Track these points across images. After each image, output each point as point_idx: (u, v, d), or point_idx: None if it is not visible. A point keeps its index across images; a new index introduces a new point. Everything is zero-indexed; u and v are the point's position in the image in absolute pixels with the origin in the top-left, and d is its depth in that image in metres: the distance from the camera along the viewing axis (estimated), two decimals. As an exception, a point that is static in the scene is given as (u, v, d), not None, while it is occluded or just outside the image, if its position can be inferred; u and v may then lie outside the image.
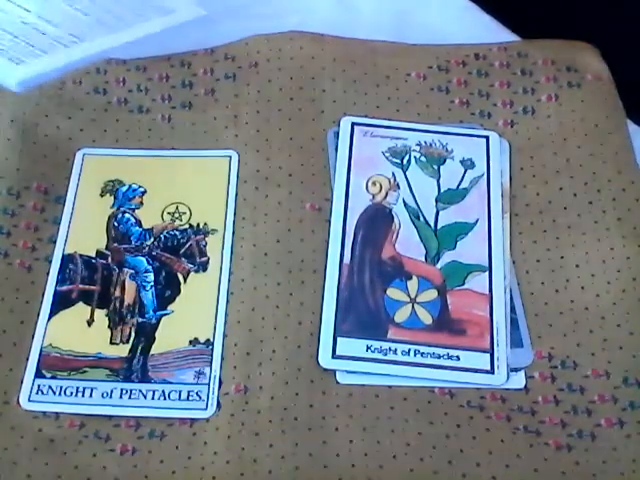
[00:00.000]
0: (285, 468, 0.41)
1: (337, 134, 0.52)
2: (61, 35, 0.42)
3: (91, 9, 0.43)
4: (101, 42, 0.42)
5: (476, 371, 0.43)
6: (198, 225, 0.49)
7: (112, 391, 0.44)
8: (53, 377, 0.44)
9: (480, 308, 0.45)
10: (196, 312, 0.46)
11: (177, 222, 0.50)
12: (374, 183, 0.50)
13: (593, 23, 0.55)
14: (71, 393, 0.44)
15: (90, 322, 0.46)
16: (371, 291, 0.46)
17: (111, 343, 0.45)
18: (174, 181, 0.51)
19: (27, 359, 0.45)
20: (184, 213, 0.50)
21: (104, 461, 0.42)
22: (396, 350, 0.44)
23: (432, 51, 0.55)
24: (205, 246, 0.49)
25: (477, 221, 0.48)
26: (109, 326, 0.46)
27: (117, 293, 0.47)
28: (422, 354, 0.44)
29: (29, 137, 0.51)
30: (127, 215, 0.50)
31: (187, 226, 0.49)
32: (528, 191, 0.50)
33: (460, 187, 0.50)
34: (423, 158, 0.51)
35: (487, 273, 0.46)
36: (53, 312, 0.46)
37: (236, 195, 0.50)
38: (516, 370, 0.44)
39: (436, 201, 0.49)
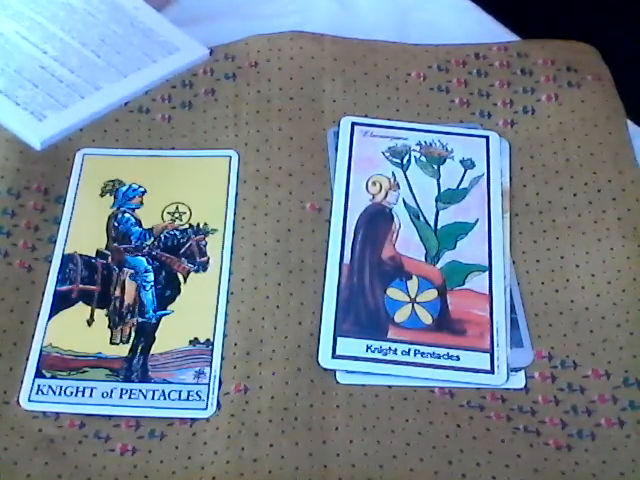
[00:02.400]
0: (285, 468, 0.41)
1: (337, 134, 0.52)
2: (77, 82, 0.43)
3: (102, 50, 0.44)
4: (114, 90, 0.44)
5: (476, 371, 0.43)
6: (198, 225, 0.49)
7: (112, 391, 0.44)
8: (53, 377, 0.44)
9: (480, 308, 0.45)
10: (196, 312, 0.46)
11: (177, 222, 0.50)
12: (374, 183, 0.50)
13: (593, 24, 0.55)
14: (71, 393, 0.44)
15: (90, 322, 0.46)
16: (371, 291, 0.46)
17: (111, 343, 0.46)
18: (174, 181, 0.51)
19: (27, 359, 0.45)
20: (184, 213, 0.50)
21: (104, 461, 0.42)
22: (396, 350, 0.44)
23: (432, 51, 0.55)
24: (205, 246, 0.49)
25: (477, 221, 0.48)
26: (109, 326, 0.46)
27: (117, 293, 0.47)
28: (422, 354, 0.44)
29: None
30: (127, 215, 0.50)
31: (187, 226, 0.49)
32: (528, 191, 0.50)
33: (460, 187, 0.50)
34: (423, 158, 0.51)
35: (487, 273, 0.46)
36: (53, 312, 0.46)
37: (236, 195, 0.50)
38: (516, 370, 0.44)
39: (436, 201, 0.49)
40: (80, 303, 0.47)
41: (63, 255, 0.48)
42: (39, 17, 0.44)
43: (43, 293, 0.47)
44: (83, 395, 0.44)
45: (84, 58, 0.43)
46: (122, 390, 0.44)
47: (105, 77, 0.43)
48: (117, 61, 0.44)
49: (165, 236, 0.49)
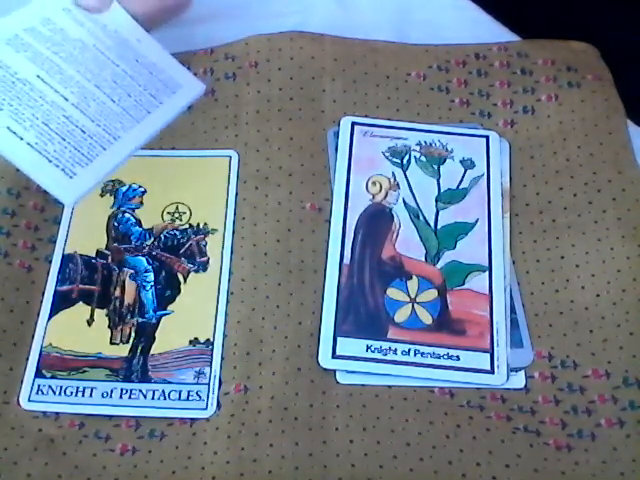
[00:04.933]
0: (285, 468, 0.41)
1: (337, 134, 0.52)
2: (98, 133, 0.43)
3: (115, 93, 0.44)
4: (131, 138, 0.44)
5: (476, 371, 0.43)
6: (198, 225, 0.49)
7: (112, 391, 0.44)
8: (53, 377, 0.44)
9: (480, 308, 0.45)
10: (196, 312, 0.46)
11: (177, 222, 0.50)
12: (374, 183, 0.50)
13: (593, 24, 0.55)
14: (71, 393, 0.44)
15: (90, 322, 0.46)
16: (371, 291, 0.46)
17: (111, 343, 0.46)
18: (174, 181, 0.51)
19: (27, 359, 0.45)
20: (184, 213, 0.50)
21: (104, 461, 0.42)
22: (396, 350, 0.44)
23: (432, 51, 0.55)
24: (205, 246, 0.49)
25: (477, 221, 0.48)
26: (109, 326, 0.46)
27: (117, 293, 0.47)
28: (422, 354, 0.44)
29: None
30: (127, 215, 0.50)
31: (187, 226, 0.49)
32: (528, 191, 0.50)
33: (460, 187, 0.50)
34: (423, 158, 0.51)
35: (487, 273, 0.46)
36: (53, 312, 0.46)
37: (236, 195, 0.50)
38: (516, 370, 0.44)
39: (436, 201, 0.49)
40: (80, 303, 0.47)
41: (63, 255, 0.48)
42: (56, 57, 0.43)
43: (43, 293, 0.47)
44: (83, 395, 0.44)
45: (101, 104, 0.43)
46: (122, 390, 0.44)
47: (122, 125, 0.44)
48: (129, 105, 0.44)
49: (165, 236, 0.49)
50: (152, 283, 0.48)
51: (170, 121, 0.46)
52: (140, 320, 0.46)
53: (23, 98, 0.42)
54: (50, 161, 0.41)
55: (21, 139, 0.41)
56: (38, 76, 0.43)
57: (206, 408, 0.43)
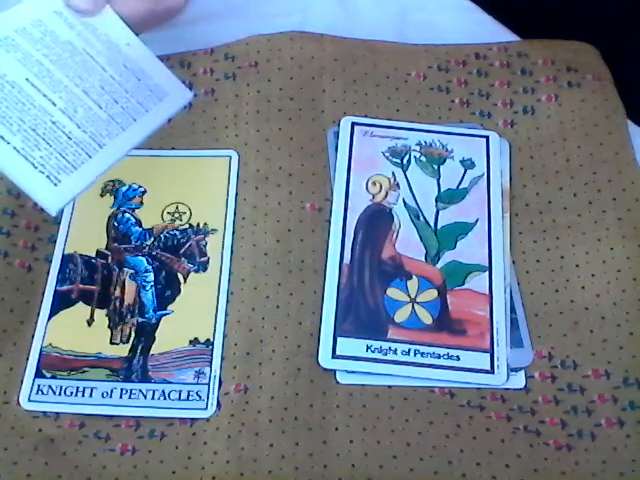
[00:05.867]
0: (285, 468, 0.41)
1: (337, 134, 0.52)
2: (84, 140, 0.43)
3: (103, 99, 0.44)
4: (116, 146, 0.44)
5: (476, 371, 0.43)
6: (198, 225, 0.49)
7: (112, 391, 0.44)
8: (53, 377, 0.44)
9: (480, 308, 0.45)
10: (196, 312, 0.46)
11: (177, 222, 0.50)
12: (374, 183, 0.50)
13: (593, 23, 0.55)
14: (71, 393, 0.44)
15: (90, 322, 0.46)
16: (371, 291, 0.46)
17: (111, 343, 0.46)
18: (174, 181, 0.51)
19: (27, 359, 0.45)
20: (184, 213, 0.50)
21: (104, 461, 0.42)
22: (396, 350, 0.44)
23: (432, 51, 0.55)
24: (205, 246, 0.49)
25: (477, 221, 0.48)
26: (109, 326, 0.46)
27: (117, 293, 0.47)
28: (422, 354, 0.44)
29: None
30: (127, 215, 0.50)
31: (187, 226, 0.49)
32: (528, 191, 0.50)
33: (460, 187, 0.50)
34: (423, 158, 0.51)
35: (487, 273, 0.46)
36: (53, 312, 0.46)
37: (236, 195, 0.50)
38: (516, 370, 0.44)
39: (436, 201, 0.49)
40: (80, 303, 0.47)
41: (63, 255, 0.48)
42: (46, 60, 0.43)
43: (43, 293, 0.47)
44: (83, 395, 0.44)
45: (88, 110, 0.43)
46: (122, 390, 0.44)
47: (107, 132, 0.43)
48: (116, 112, 0.44)
49: (165, 236, 0.49)
50: (152, 283, 0.48)
51: (157, 128, 0.46)
52: (140, 320, 0.46)
53: (11, 101, 0.41)
54: (35, 167, 0.41)
55: (8, 143, 0.40)
56: (27, 79, 0.42)
57: (206, 408, 0.43)
